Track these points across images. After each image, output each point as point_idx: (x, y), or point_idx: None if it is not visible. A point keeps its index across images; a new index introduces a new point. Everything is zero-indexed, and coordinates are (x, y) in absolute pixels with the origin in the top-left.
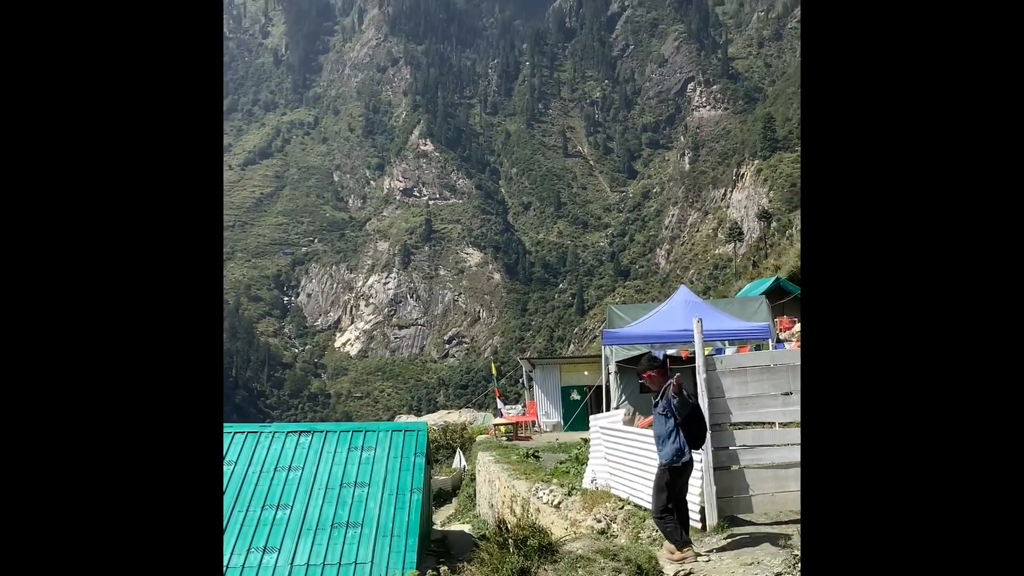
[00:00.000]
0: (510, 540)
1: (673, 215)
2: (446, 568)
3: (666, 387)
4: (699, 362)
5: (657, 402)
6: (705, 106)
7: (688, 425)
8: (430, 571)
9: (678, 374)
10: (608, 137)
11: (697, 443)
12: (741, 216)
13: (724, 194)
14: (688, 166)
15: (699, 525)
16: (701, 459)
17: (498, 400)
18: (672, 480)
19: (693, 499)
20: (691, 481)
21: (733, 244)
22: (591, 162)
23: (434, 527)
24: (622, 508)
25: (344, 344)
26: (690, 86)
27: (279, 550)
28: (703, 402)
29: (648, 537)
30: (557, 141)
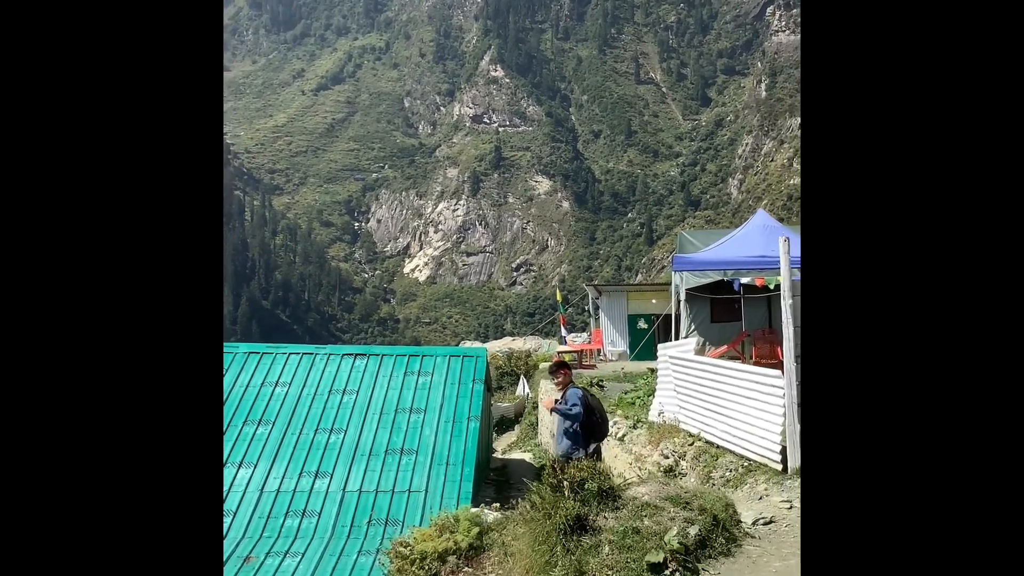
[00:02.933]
0: (565, 482)
1: (747, 144)
2: (498, 504)
3: (566, 389)
4: (784, 286)
5: (559, 399)
6: (784, 30)
7: (585, 424)
8: (483, 504)
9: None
10: (682, 63)
11: (596, 438)
12: None
13: None
14: (764, 93)
15: (779, 467)
16: (784, 394)
17: (563, 328)
18: None
19: (773, 439)
20: (772, 419)
21: None
22: (664, 89)
23: (495, 455)
24: (692, 444)
25: (413, 270)
26: (769, 9)
27: (331, 475)
28: (788, 330)
29: (721, 477)
30: (629, 67)
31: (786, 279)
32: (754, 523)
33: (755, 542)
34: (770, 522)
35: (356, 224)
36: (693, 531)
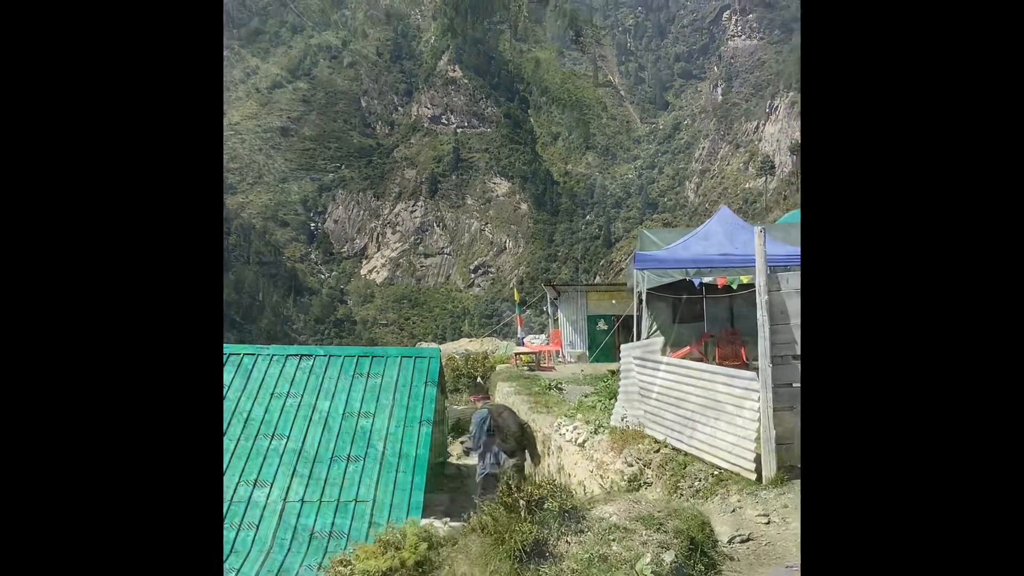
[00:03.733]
0: (522, 502)
1: (704, 147)
2: (447, 519)
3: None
4: (760, 281)
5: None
6: (740, 35)
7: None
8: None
9: (487, 405)
10: (640, 67)
11: (510, 455)
12: (773, 149)
13: (757, 127)
14: (721, 97)
15: (753, 476)
16: (759, 398)
17: (520, 329)
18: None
19: (747, 446)
20: (746, 425)
21: (764, 178)
22: (622, 92)
23: (449, 460)
24: (658, 451)
25: (370, 271)
26: (725, 15)
27: (272, 484)
28: (764, 328)
29: (690, 487)
30: (588, 70)
31: (761, 274)
32: (730, 541)
33: (735, 565)
34: (747, 540)
35: (312, 225)
36: (668, 557)
